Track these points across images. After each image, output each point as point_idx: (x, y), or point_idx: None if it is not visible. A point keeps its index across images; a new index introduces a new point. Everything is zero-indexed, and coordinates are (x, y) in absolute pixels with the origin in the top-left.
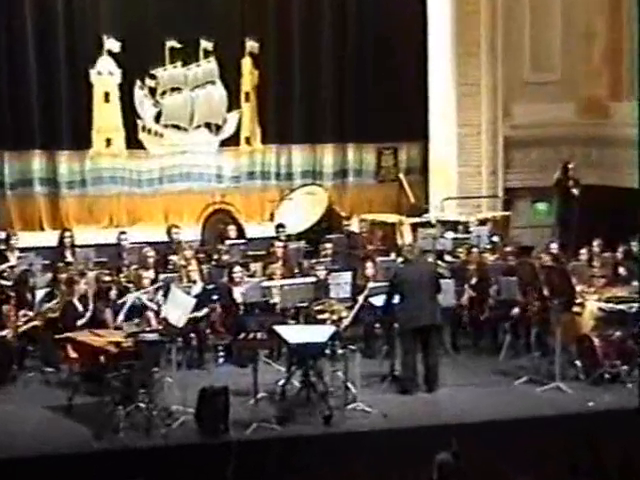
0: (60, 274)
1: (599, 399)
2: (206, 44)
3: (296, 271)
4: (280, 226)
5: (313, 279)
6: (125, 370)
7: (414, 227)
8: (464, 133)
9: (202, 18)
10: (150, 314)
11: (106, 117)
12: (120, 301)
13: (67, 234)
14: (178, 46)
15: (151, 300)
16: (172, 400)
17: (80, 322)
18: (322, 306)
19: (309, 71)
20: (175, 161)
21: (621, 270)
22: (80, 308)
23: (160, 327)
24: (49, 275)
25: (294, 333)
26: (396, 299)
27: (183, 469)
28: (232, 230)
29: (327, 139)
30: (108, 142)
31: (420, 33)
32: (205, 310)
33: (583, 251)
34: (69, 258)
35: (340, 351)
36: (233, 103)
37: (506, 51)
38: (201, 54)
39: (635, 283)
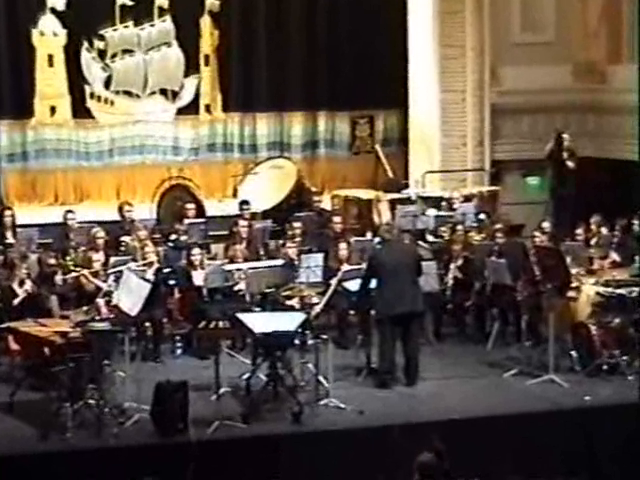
0: None
1: (597, 392)
2: (161, 1)
3: (262, 253)
4: (244, 203)
5: (281, 261)
6: (73, 363)
7: (392, 204)
8: (447, 100)
9: None
10: (100, 301)
11: (50, 82)
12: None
13: (7, 213)
14: (130, 3)
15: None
16: (125, 396)
17: (16, 301)
18: (291, 291)
19: (276, 31)
20: (127, 131)
21: (621, 250)
22: (21, 294)
23: (111, 315)
24: None
25: (260, 321)
26: (373, 283)
27: (137, 472)
28: (191, 208)
29: (296, 107)
30: (52, 110)
31: None
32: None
33: (579, 230)
34: (10, 239)
35: (311, 341)
36: (191, 67)
37: (494, 9)
38: (155, 12)
39: (636, 265)
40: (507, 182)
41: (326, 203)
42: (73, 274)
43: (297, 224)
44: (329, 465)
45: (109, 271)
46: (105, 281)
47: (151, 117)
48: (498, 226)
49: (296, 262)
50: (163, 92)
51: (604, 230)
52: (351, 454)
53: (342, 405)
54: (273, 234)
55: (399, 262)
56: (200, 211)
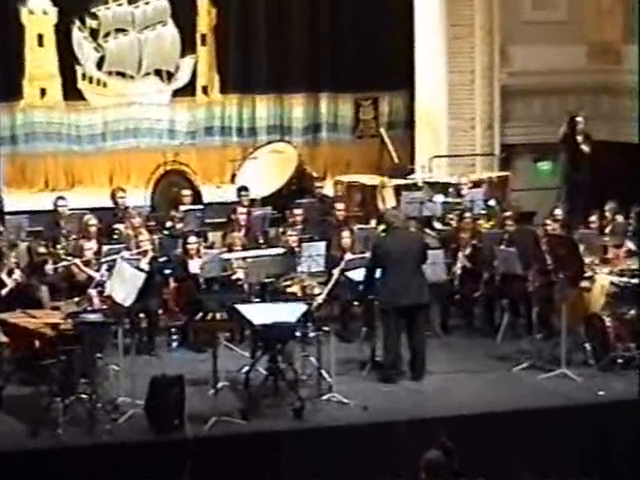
0: None
1: (611, 387)
2: None
3: (261, 241)
4: (243, 189)
5: (281, 250)
6: (64, 356)
7: (397, 190)
8: (455, 81)
9: None
10: (92, 291)
11: (40, 63)
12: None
13: None
14: None
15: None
16: (118, 391)
17: (4, 291)
18: (292, 281)
19: (276, 9)
20: (120, 114)
21: (636, 239)
22: (10, 284)
23: (104, 306)
24: None
25: (259, 313)
26: (377, 273)
27: (131, 470)
28: (187, 194)
29: (297, 88)
30: (42, 92)
31: None
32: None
33: (593, 217)
34: None
35: (312, 333)
36: (187, 47)
37: None
38: None
39: None
40: (518, 167)
41: (328, 189)
42: (64, 263)
43: (298, 211)
44: (332, 463)
45: (102, 260)
46: (97, 271)
47: (145, 99)
48: (508, 213)
49: (297, 251)
50: (158, 73)
51: (619, 217)
52: (354, 451)
53: (345, 400)
54: (273, 221)
55: (405, 251)
56: (197, 197)
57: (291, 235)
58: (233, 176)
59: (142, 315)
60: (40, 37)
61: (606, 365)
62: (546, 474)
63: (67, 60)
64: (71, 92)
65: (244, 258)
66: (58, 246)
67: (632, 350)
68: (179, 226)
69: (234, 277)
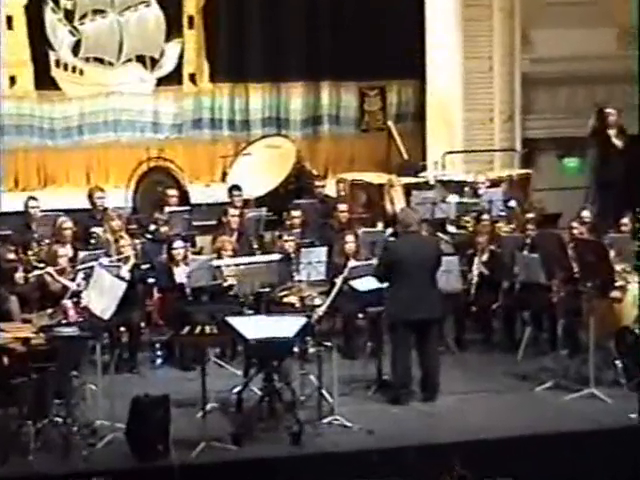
0: None
1: None
2: None
3: (255, 246)
4: (235, 189)
5: (277, 256)
6: (36, 374)
7: (407, 189)
8: (472, 69)
9: None
10: (67, 302)
11: (9, 48)
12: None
13: None
14: None
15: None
16: (96, 413)
17: None
18: (289, 291)
19: None
20: (99, 105)
21: None
22: None
23: (81, 319)
24: None
25: (253, 326)
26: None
27: None
28: (173, 194)
29: (295, 76)
30: (12, 80)
31: None
32: None
33: (625, 220)
34: None
35: (312, 349)
36: (173, 30)
37: None
38: None
39: None
40: (541, 164)
41: (330, 189)
42: (36, 271)
43: (296, 213)
44: None
45: (78, 268)
46: (73, 279)
47: (126, 88)
48: (530, 215)
49: (295, 257)
50: (140, 59)
51: None
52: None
53: (348, 424)
54: (268, 224)
55: (418, 258)
56: (183, 198)
57: (288, 240)
58: (224, 174)
59: (123, 329)
60: (9, 19)
61: (639, 385)
62: None
63: (39, 45)
64: (44, 80)
65: (236, 265)
66: (29, 252)
67: None
68: (164, 229)
69: (225, 286)
